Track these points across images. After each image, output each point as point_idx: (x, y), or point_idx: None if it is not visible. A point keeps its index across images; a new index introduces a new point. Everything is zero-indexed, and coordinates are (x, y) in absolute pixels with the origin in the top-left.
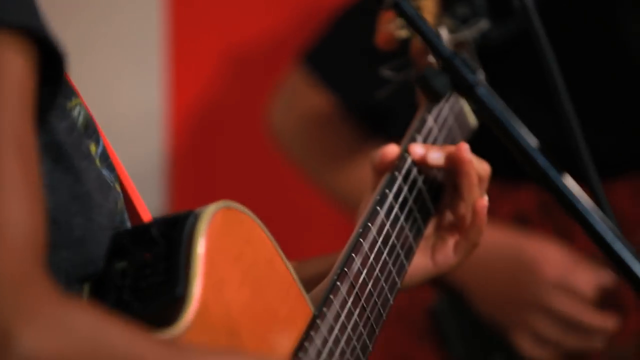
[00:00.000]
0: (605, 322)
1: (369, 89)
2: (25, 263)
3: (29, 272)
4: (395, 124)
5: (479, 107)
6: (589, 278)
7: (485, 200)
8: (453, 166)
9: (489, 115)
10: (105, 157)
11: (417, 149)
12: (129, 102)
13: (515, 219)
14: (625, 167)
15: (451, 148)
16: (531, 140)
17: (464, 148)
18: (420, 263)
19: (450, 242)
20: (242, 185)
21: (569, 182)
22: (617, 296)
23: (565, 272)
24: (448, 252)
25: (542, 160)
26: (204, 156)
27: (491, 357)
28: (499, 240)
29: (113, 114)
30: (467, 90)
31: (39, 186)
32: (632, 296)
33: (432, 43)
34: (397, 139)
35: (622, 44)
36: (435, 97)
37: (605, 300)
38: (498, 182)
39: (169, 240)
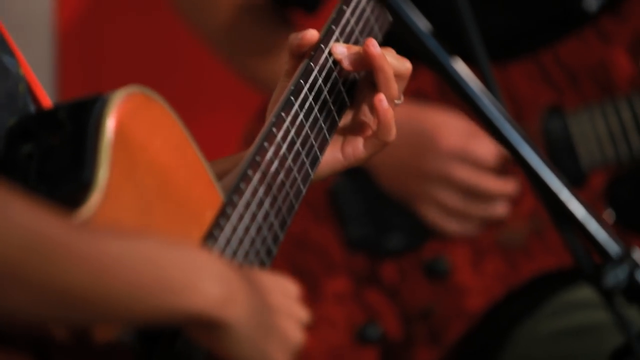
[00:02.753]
0: (505, 186)
1: None
2: None
3: None
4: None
5: None
6: (488, 147)
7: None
8: (366, 64)
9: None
10: (4, 43)
11: (338, 49)
12: None
13: (415, 96)
14: (521, 48)
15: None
16: (423, 24)
17: (372, 43)
18: (329, 155)
19: (362, 137)
20: (141, 71)
21: (459, 66)
22: (514, 176)
23: (465, 141)
24: (358, 146)
25: (432, 44)
26: (95, 43)
27: (387, 236)
28: (399, 113)
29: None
30: None
31: None
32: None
33: None
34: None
35: None
36: None
37: (504, 169)
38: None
39: (77, 123)
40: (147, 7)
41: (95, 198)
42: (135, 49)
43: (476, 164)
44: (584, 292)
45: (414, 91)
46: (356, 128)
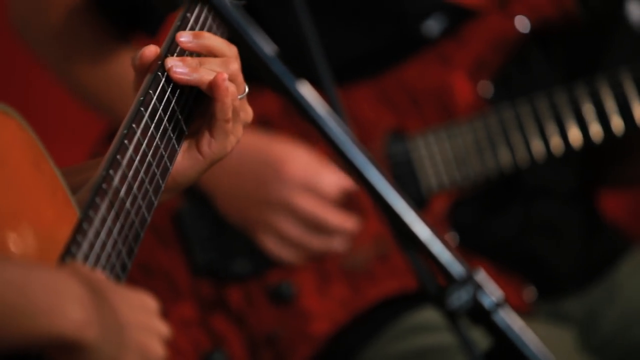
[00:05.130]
0: (345, 222)
1: None
2: None
3: None
4: (154, 20)
5: (216, 13)
6: (332, 180)
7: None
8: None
9: (226, 21)
10: None
11: (176, 69)
12: None
13: (260, 122)
14: (364, 71)
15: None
16: (268, 47)
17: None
18: (189, 160)
19: (210, 130)
20: None
21: (304, 89)
22: (358, 200)
23: (309, 173)
24: (211, 140)
25: (277, 67)
26: None
27: (233, 261)
28: (244, 142)
29: None
30: None
31: None
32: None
33: None
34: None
35: None
36: (172, 4)
37: (346, 203)
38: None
39: None
40: None
41: None
42: None
43: (320, 196)
44: (428, 315)
45: (259, 116)
46: (205, 124)
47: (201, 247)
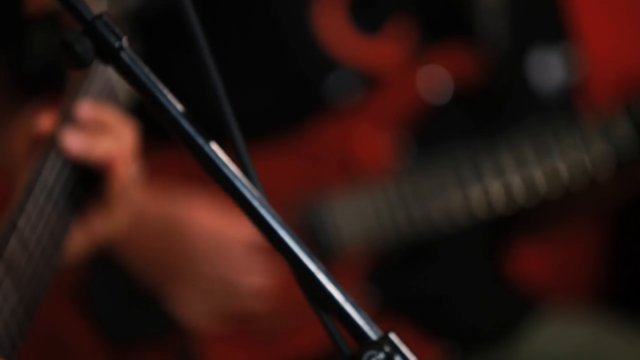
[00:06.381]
0: (257, 279)
1: (22, 52)
2: None
3: None
4: (50, 87)
5: (123, 73)
6: (241, 233)
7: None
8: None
9: (134, 81)
10: None
11: (69, 144)
12: None
13: (167, 184)
14: (274, 130)
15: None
16: (178, 107)
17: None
18: (79, 236)
19: (101, 206)
20: None
21: (215, 150)
22: (270, 259)
23: (216, 230)
24: (99, 217)
25: (187, 127)
26: None
27: (145, 329)
28: (150, 206)
29: None
30: (110, 56)
31: None
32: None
33: (73, 6)
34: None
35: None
36: (79, 63)
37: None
38: (149, 147)
39: None
40: None
41: None
42: None
43: (229, 253)
44: None
45: (162, 177)
46: (96, 200)
47: (112, 320)
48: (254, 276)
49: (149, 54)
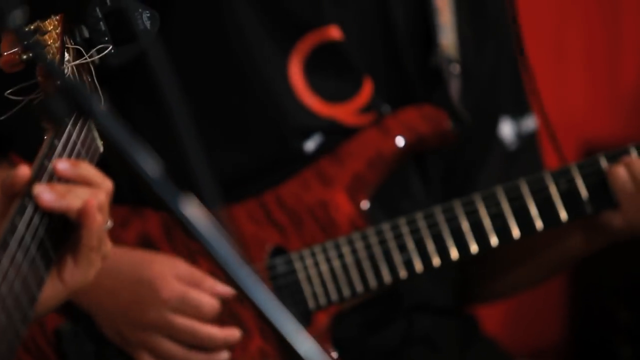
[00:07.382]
0: (227, 334)
1: None
2: None
3: None
4: (25, 145)
5: (98, 130)
6: (211, 294)
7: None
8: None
9: (108, 139)
10: None
11: (45, 196)
12: None
13: (141, 242)
14: (245, 189)
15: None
16: (153, 165)
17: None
18: (51, 287)
19: (74, 257)
20: None
21: (190, 209)
22: (241, 317)
23: (186, 289)
24: (74, 268)
25: (160, 187)
26: None
27: None
28: (120, 261)
29: None
30: (85, 114)
31: None
32: (253, 317)
33: (49, 67)
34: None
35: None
36: (56, 122)
37: (228, 317)
38: (125, 205)
39: None
40: None
41: None
42: None
43: (197, 312)
44: None
45: (139, 235)
46: (68, 252)
47: None
48: (223, 330)
49: (116, 107)
